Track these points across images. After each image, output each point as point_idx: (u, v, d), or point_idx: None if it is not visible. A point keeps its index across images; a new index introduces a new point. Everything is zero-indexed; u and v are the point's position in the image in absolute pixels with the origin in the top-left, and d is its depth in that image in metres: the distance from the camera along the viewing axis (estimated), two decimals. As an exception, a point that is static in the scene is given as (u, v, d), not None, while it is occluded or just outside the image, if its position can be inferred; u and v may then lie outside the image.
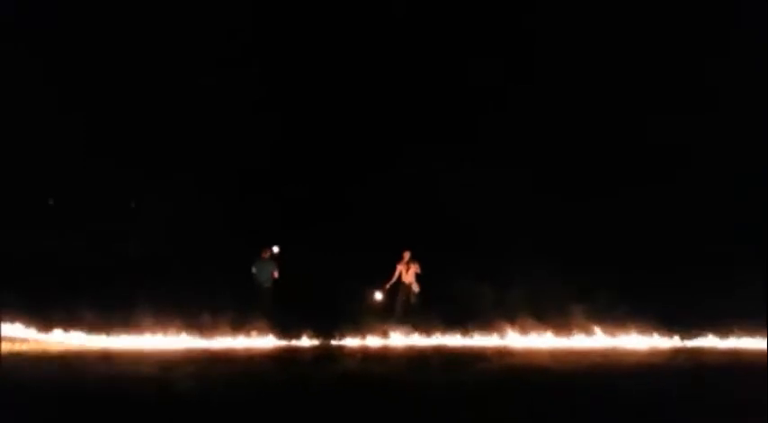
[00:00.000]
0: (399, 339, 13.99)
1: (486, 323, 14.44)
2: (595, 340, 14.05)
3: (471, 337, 14.12)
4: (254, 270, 16.18)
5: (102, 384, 9.67)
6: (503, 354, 12.94)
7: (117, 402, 8.67)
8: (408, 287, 15.90)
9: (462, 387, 10.16)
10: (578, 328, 14.44)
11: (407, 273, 15.87)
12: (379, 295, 16.03)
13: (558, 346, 13.73)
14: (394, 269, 16.00)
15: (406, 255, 15.95)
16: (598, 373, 11.54)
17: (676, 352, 13.32)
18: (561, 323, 14.62)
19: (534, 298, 15.16)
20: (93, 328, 13.43)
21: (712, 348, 13.61)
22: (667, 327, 14.24)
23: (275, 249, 16.50)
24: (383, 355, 12.75)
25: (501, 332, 14.17)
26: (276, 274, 16.12)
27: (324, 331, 13.78)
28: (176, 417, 8.20)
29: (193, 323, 13.83)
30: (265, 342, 13.51)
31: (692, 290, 16.56)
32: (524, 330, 14.29)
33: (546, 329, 14.30)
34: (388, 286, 16.00)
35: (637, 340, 13.96)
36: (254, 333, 13.76)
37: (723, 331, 14.11)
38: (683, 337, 13.97)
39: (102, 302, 14.40)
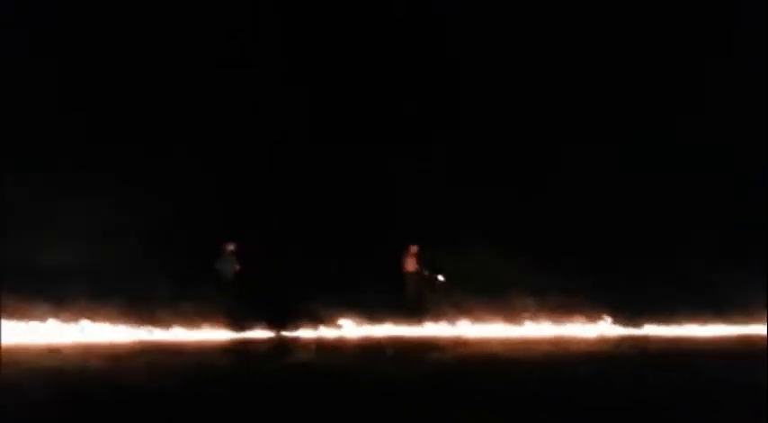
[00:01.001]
0: (353, 330, 13.92)
1: (438, 313, 14.47)
2: (545, 329, 14.22)
3: (425, 326, 14.14)
4: (217, 265, 16.06)
5: (48, 377, 9.32)
6: (456, 344, 12.99)
7: (64, 396, 8.36)
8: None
9: (416, 377, 10.13)
10: (529, 318, 14.61)
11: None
12: None
13: (509, 334, 13.85)
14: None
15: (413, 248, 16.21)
16: (549, 361, 11.67)
17: (623, 339, 13.59)
18: (512, 312, 14.79)
19: (486, 287, 15.26)
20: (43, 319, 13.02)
21: (657, 336, 13.92)
22: (616, 315, 14.53)
23: (232, 246, 16.37)
24: (337, 347, 12.66)
25: (454, 322, 14.23)
26: (237, 268, 16.05)
27: (279, 323, 13.62)
28: (123, 410, 7.94)
29: (146, 315, 13.51)
30: (219, 335, 13.27)
31: (642, 280, 16.85)
32: (477, 320, 14.39)
33: (497, 319, 14.43)
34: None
35: (585, 328, 14.20)
36: (206, 325, 13.51)
37: (667, 319, 14.44)
38: (629, 325, 14.26)
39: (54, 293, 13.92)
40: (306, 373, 10.16)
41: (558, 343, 13.21)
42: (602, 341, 13.49)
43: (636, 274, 16.60)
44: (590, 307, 14.88)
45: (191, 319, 13.53)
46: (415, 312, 15.12)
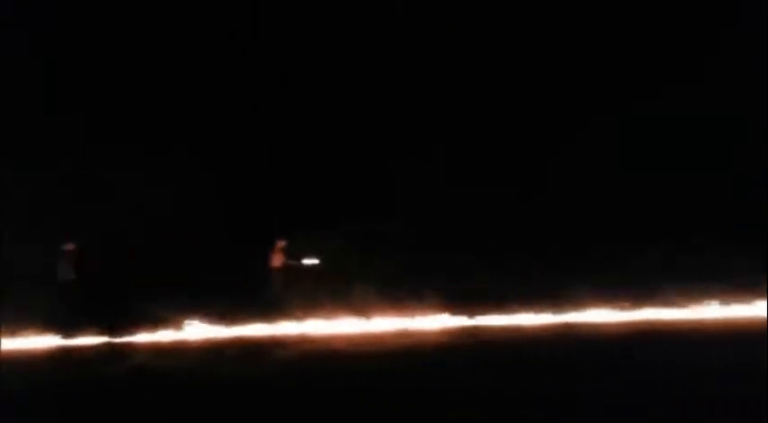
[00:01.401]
0: (197, 332, 13.44)
1: (286, 310, 14.30)
2: (392, 322, 14.46)
3: (272, 325, 13.92)
4: (58, 267, 14.92)
5: None
6: (302, 341, 12.90)
7: None
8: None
9: (257, 376, 9.94)
10: (377, 311, 14.81)
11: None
12: None
13: (356, 329, 13.96)
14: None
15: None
16: (394, 354, 11.88)
17: (461, 330, 14.12)
18: (362, 307, 14.94)
19: (333, 282, 15.31)
20: None
21: (499, 326, 14.57)
22: (459, 306, 15.05)
23: (70, 246, 15.30)
24: (177, 350, 12.15)
25: (300, 319, 14.12)
26: (75, 269, 15.00)
27: (113, 327, 12.85)
28: None
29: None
30: (45, 341, 12.30)
31: (488, 271, 17.57)
32: (325, 316, 14.38)
33: (346, 314, 14.50)
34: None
35: (430, 320, 14.61)
36: (32, 332, 12.49)
37: (509, 309, 15.16)
38: (471, 316, 14.82)
39: None
40: (137, 376, 9.66)
41: (402, 336, 13.48)
42: (445, 332, 13.94)
43: (473, 267, 17.26)
44: (434, 299, 15.34)
45: (14, 326, 12.45)
46: (278, 309, 14.89)
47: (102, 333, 12.57)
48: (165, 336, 12.97)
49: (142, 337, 12.76)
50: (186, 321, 13.68)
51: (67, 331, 12.57)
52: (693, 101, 20.12)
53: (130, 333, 12.75)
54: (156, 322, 13.23)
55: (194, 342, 12.83)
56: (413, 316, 14.70)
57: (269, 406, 8.18)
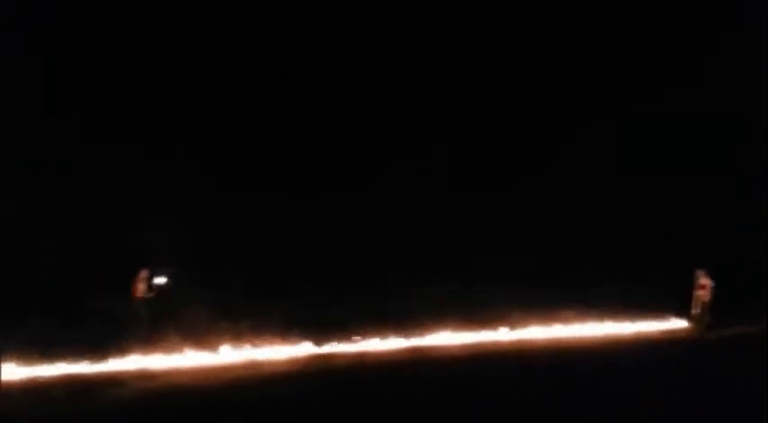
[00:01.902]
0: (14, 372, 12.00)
1: (123, 345, 13.26)
2: (242, 353, 13.90)
3: (106, 361, 12.83)
4: None
5: None
6: (142, 377, 12.01)
7: None
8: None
9: (89, 417, 9.09)
10: (226, 343, 14.18)
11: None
12: None
13: (202, 363, 13.25)
14: None
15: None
16: (241, 386, 11.40)
17: (312, 358, 13.88)
18: (208, 339, 14.24)
19: (177, 315, 14.53)
20: None
21: (342, 353, 14.47)
22: (308, 334, 14.79)
23: None
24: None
25: (141, 354, 13.15)
26: None
27: None
28: None
29: None
30: None
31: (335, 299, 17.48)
32: (168, 350, 13.51)
33: (189, 347, 13.73)
34: None
35: (278, 350, 14.21)
36: None
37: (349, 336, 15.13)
38: (318, 343, 14.61)
39: None
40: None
41: (250, 367, 13.00)
42: (294, 361, 13.63)
43: (328, 294, 17.19)
44: (286, 328, 14.99)
45: None
46: (144, 341, 13.85)
47: None
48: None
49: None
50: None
51: None
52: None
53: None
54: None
55: (14, 382, 11.49)
56: (260, 345, 14.24)
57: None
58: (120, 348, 13.25)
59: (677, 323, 19.52)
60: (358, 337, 14.97)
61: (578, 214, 21.12)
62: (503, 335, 17.10)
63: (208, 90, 19.18)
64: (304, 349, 14.37)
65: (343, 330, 15.10)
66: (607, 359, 14.12)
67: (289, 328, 14.71)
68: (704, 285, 18.97)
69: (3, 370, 11.70)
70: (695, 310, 19.14)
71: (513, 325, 17.62)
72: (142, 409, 9.84)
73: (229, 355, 13.76)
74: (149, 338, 13.88)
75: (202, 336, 14.11)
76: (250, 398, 10.39)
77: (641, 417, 8.40)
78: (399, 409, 9.16)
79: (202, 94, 19.07)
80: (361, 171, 19.96)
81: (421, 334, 16.06)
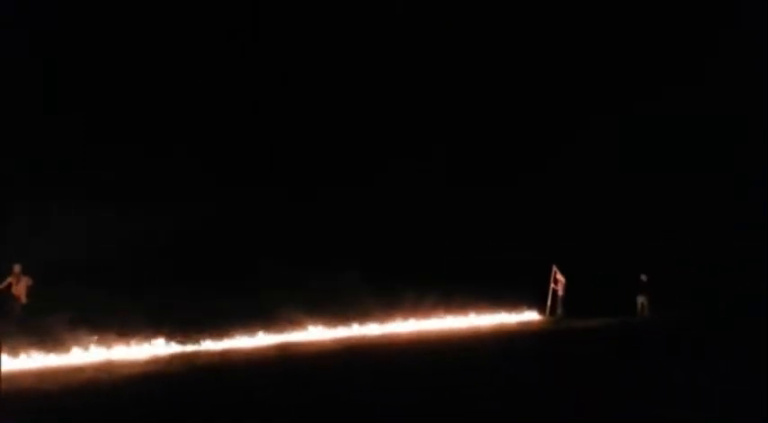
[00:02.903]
0: None
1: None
2: (92, 354, 12.92)
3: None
4: None
5: None
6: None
7: None
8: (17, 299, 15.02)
9: None
10: (76, 344, 13.14)
11: (17, 285, 15.05)
12: None
13: (49, 364, 12.18)
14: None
15: (17, 267, 15.11)
16: (95, 388, 10.57)
17: (173, 357, 13.20)
18: (57, 341, 13.15)
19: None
20: None
21: (207, 351, 13.91)
22: (173, 333, 14.08)
23: None
24: None
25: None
26: None
27: None
28: None
29: None
30: None
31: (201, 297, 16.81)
32: (13, 352, 12.29)
33: (38, 349, 12.59)
34: None
35: (138, 350, 13.39)
36: None
37: (219, 334, 14.60)
38: (181, 342, 13.94)
39: None
40: None
41: (104, 367, 12.11)
42: (154, 361, 12.88)
43: (195, 293, 16.54)
44: (147, 327, 14.19)
45: None
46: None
47: None
48: None
49: None
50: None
51: None
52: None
53: None
54: None
55: None
56: (120, 345, 13.35)
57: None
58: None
59: (531, 315, 20.62)
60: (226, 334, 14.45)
61: (436, 215, 21.82)
62: (371, 329, 17.22)
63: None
64: (166, 348, 13.66)
65: (209, 328, 14.54)
66: (469, 347, 14.61)
67: (151, 327, 13.93)
68: (557, 280, 20.18)
69: None
70: (550, 303, 20.33)
71: (380, 320, 17.83)
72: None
73: (82, 355, 12.77)
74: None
75: (56, 336, 13.07)
76: (105, 399, 9.65)
77: (501, 399, 8.72)
78: (268, 406, 8.87)
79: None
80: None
81: (289, 330, 15.82)
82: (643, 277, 19.90)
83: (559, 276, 20.15)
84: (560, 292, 20.14)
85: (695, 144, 22.46)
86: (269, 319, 15.68)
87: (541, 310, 20.55)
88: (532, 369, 11.59)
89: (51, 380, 11.04)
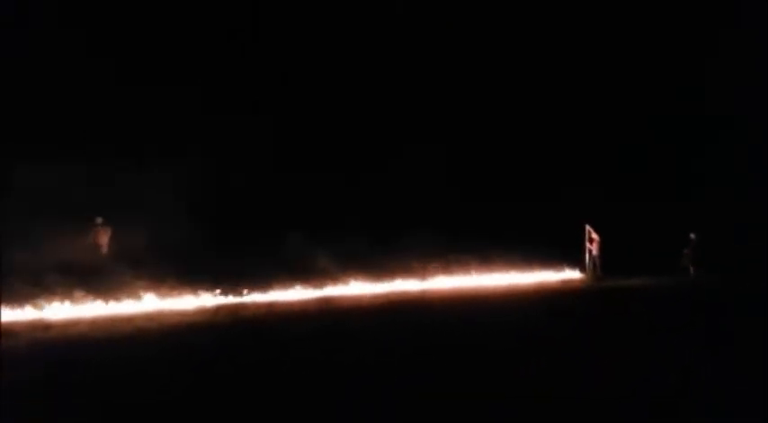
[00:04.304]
0: None
1: (17, 294, 12.21)
2: (143, 304, 13.19)
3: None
4: None
5: None
6: (36, 327, 11.15)
7: None
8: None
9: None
10: (128, 294, 13.39)
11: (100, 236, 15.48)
12: None
13: (101, 312, 12.45)
14: None
15: (99, 219, 15.57)
16: (140, 337, 10.77)
17: (219, 308, 13.38)
18: (109, 290, 13.42)
19: (71, 264, 13.59)
20: None
21: (252, 302, 14.05)
22: (216, 285, 14.24)
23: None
24: None
25: (36, 304, 12.19)
26: None
27: None
28: None
29: None
30: None
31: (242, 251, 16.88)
32: (65, 300, 12.60)
33: (91, 298, 12.88)
34: None
35: (185, 301, 13.60)
36: None
37: (262, 287, 14.70)
38: (225, 294, 14.10)
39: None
40: None
41: (154, 317, 12.34)
42: (201, 311, 13.08)
43: (237, 247, 16.58)
44: (195, 279, 14.38)
45: None
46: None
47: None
48: None
49: None
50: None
51: None
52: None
53: None
54: None
55: None
56: (171, 296, 13.58)
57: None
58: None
59: (572, 274, 20.27)
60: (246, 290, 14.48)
61: (482, 174, 21.49)
62: (412, 285, 17.16)
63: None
64: (212, 299, 13.85)
65: (253, 281, 14.66)
66: (511, 306, 14.42)
67: (197, 280, 14.10)
68: (592, 239, 19.76)
69: None
70: (588, 263, 19.95)
71: (422, 276, 17.73)
72: (37, 359, 9.09)
73: (132, 305, 13.03)
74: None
75: (109, 285, 13.34)
76: (153, 349, 9.81)
77: (539, 360, 8.51)
78: (310, 359, 8.87)
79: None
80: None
81: (331, 285, 15.87)
82: (692, 236, 19.28)
83: (594, 235, 19.73)
84: (595, 252, 19.76)
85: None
86: (310, 275, 15.75)
87: (582, 268, 20.21)
88: (577, 329, 11.31)
89: (102, 328, 11.30)
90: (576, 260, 20.19)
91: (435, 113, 21.59)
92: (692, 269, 19.37)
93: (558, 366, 8.21)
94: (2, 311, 11.60)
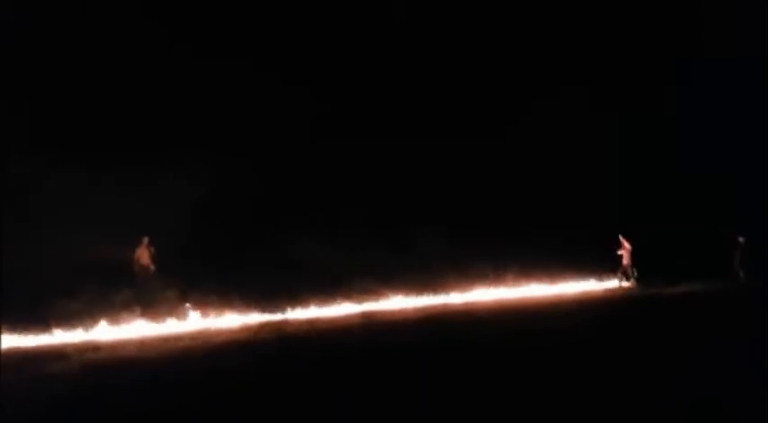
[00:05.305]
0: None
1: (68, 317, 12.40)
2: (188, 324, 13.26)
3: (51, 333, 12.01)
4: None
5: None
6: (86, 349, 11.26)
7: None
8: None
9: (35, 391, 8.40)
10: (172, 314, 13.50)
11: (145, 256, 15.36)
12: None
13: (149, 333, 12.55)
14: None
15: (145, 240, 15.40)
16: (187, 356, 10.77)
17: (263, 326, 13.35)
18: (156, 311, 13.55)
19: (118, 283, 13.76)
20: None
21: (294, 319, 14.00)
22: (256, 304, 14.26)
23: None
24: None
25: (87, 326, 12.36)
26: None
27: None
28: None
29: None
30: None
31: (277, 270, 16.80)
32: (115, 322, 12.77)
33: (138, 317, 13.02)
34: None
35: (229, 319, 13.63)
36: None
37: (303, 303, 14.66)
38: (267, 312, 14.10)
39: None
40: None
41: (200, 336, 12.37)
42: (246, 329, 13.08)
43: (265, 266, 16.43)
44: (239, 299, 14.44)
45: None
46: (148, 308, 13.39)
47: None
48: None
49: None
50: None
51: None
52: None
53: None
54: None
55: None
56: (219, 316, 13.63)
57: None
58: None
59: (613, 283, 19.76)
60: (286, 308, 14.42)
61: (523, 187, 21.09)
62: (454, 299, 16.90)
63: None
64: (255, 317, 13.85)
65: (295, 298, 14.64)
66: (558, 315, 14.06)
67: (239, 298, 14.14)
68: (624, 248, 19.36)
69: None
70: (620, 271, 19.55)
71: (463, 289, 17.47)
72: (87, 381, 9.15)
73: (177, 325, 13.12)
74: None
75: (153, 308, 13.46)
76: (199, 367, 9.79)
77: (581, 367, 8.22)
78: (355, 373, 8.73)
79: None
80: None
81: (373, 300, 15.74)
82: (740, 239, 18.61)
83: (625, 243, 19.32)
84: (626, 261, 19.38)
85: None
86: (351, 288, 15.66)
87: (618, 277, 19.82)
88: (633, 338, 10.90)
89: (151, 348, 11.36)
90: (610, 269, 19.82)
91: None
92: (741, 273, 18.68)
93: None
94: (53, 333, 11.80)
